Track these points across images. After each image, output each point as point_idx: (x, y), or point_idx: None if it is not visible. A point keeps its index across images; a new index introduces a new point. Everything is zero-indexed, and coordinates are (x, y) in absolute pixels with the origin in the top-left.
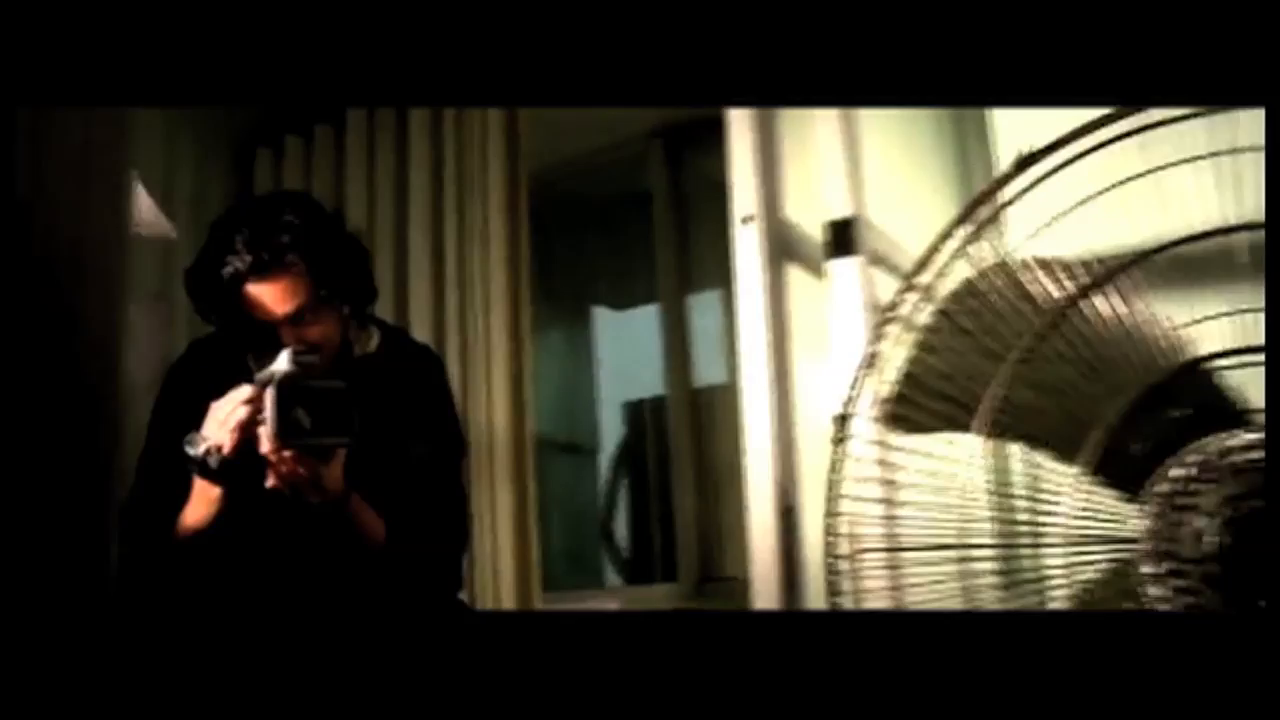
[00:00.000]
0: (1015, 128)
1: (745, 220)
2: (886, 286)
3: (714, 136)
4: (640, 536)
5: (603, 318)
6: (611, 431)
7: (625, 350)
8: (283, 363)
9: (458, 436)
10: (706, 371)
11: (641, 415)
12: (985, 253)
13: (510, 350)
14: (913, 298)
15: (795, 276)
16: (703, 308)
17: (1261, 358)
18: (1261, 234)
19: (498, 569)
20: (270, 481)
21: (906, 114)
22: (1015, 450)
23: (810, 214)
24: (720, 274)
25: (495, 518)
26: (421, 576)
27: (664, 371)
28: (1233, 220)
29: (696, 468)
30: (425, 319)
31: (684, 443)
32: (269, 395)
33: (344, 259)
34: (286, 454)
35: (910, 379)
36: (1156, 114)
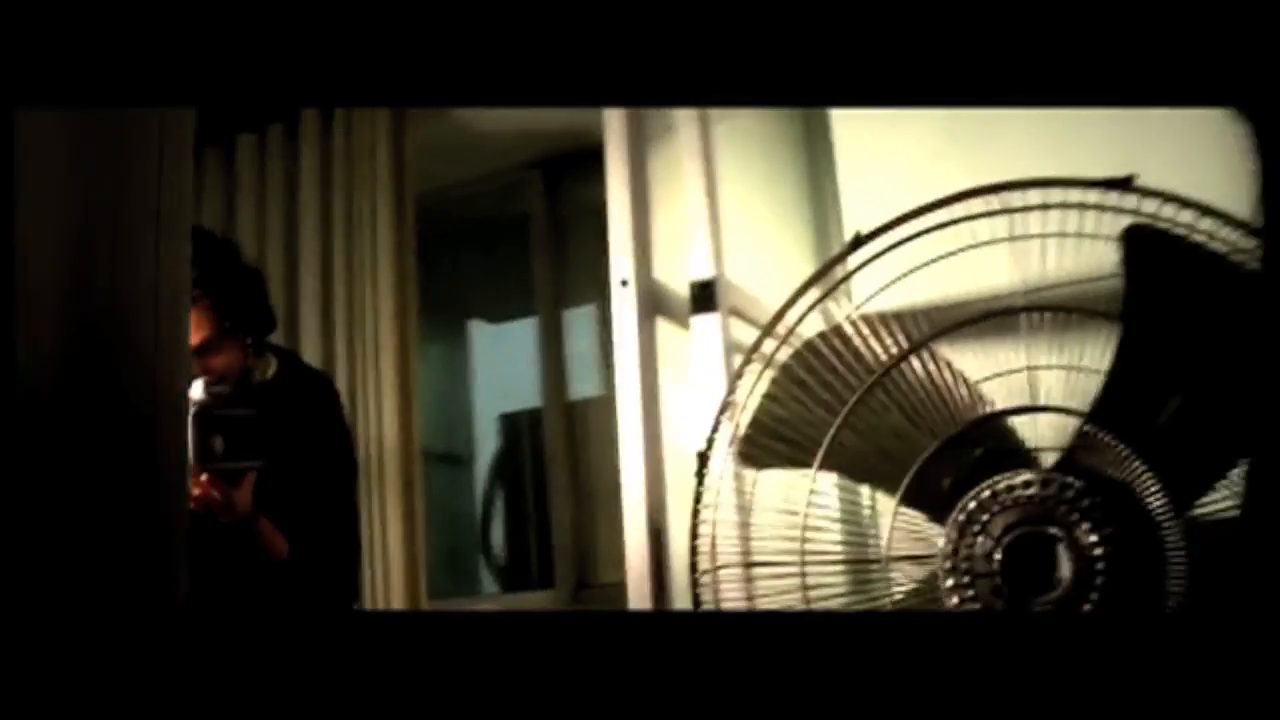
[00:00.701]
0: (861, 198)
1: (623, 283)
2: (746, 334)
3: (589, 167)
4: (517, 544)
5: (480, 332)
6: (488, 442)
7: (502, 364)
8: (196, 392)
9: (350, 458)
10: (581, 385)
11: (518, 426)
12: (824, 317)
13: (398, 365)
14: (763, 354)
15: (664, 329)
16: (577, 323)
17: (1040, 414)
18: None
19: (388, 576)
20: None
21: (767, 180)
22: (846, 483)
23: (677, 275)
24: (594, 291)
25: (385, 527)
26: (320, 588)
27: (540, 384)
28: (1021, 290)
29: (572, 477)
30: (314, 333)
31: (560, 453)
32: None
33: (245, 292)
34: (202, 478)
35: (758, 423)
36: (959, 209)
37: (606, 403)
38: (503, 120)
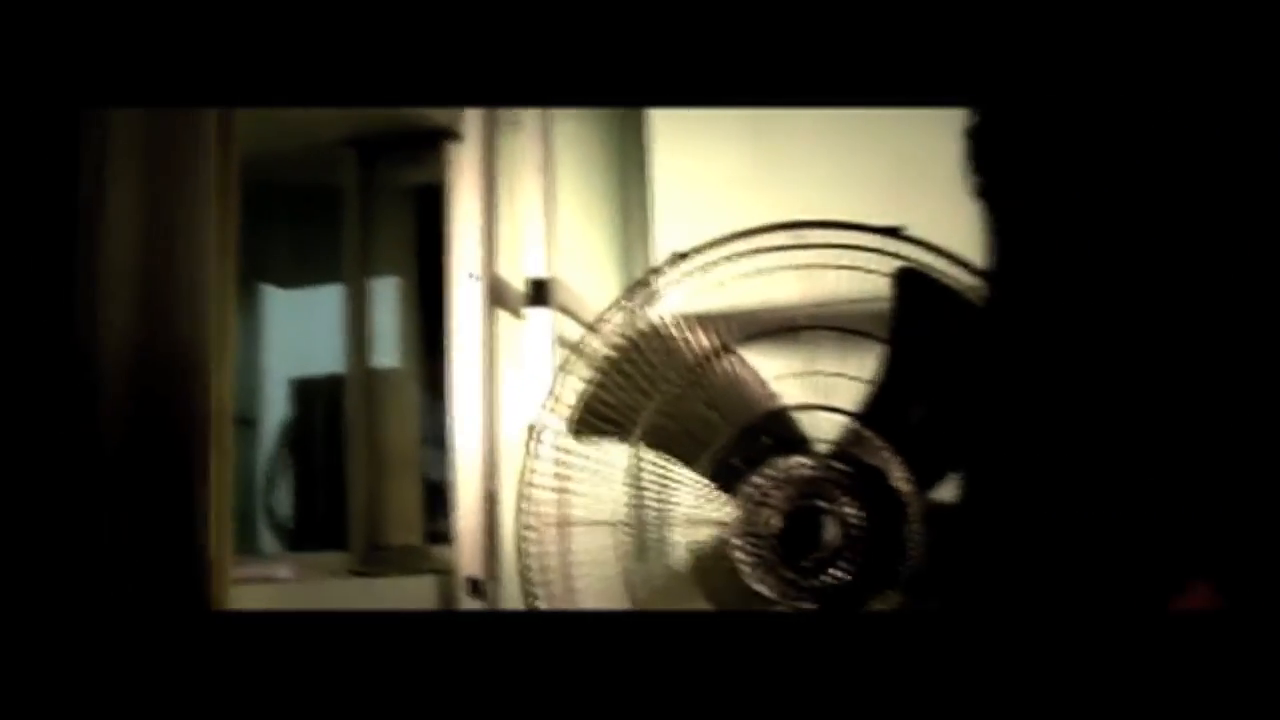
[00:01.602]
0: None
1: (471, 276)
2: (573, 329)
3: (404, 147)
4: (306, 507)
5: (274, 298)
6: (278, 406)
7: (297, 330)
8: None
9: None
10: (382, 354)
11: (311, 391)
12: (644, 317)
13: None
14: (591, 346)
15: (503, 319)
16: (382, 294)
17: (818, 412)
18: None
19: None
20: None
21: (595, 188)
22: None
23: (516, 271)
24: (400, 263)
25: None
26: None
27: (342, 351)
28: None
29: (369, 443)
30: None
31: (359, 419)
32: None
33: None
34: None
35: (587, 404)
36: (763, 239)
37: (405, 373)
38: None
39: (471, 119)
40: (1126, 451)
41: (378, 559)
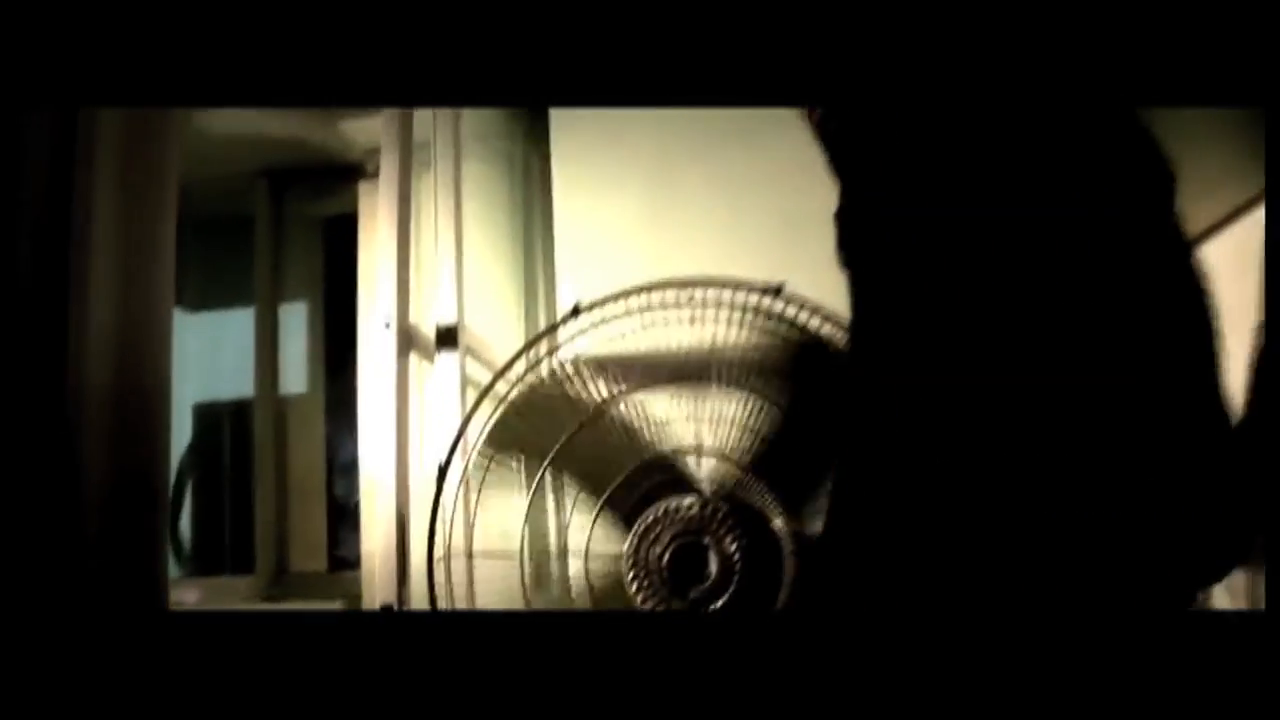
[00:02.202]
0: (574, 267)
1: (386, 325)
2: (478, 369)
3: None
4: (210, 531)
5: (185, 322)
6: (187, 430)
7: (211, 354)
8: None
9: None
10: (290, 380)
11: (216, 416)
12: (548, 363)
13: None
14: (495, 391)
15: (415, 363)
16: (291, 320)
17: (703, 456)
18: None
19: None
20: None
21: (501, 236)
22: (557, 494)
23: (428, 314)
24: (309, 290)
25: None
26: None
27: (253, 376)
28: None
29: (276, 469)
30: None
31: (268, 445)
32: None
33: None
34: None
35: (495, 441)
36: (654, 297)
37: (312, 400)
38: (237, 126)
39: (387, 158)
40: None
41: (284, 584)
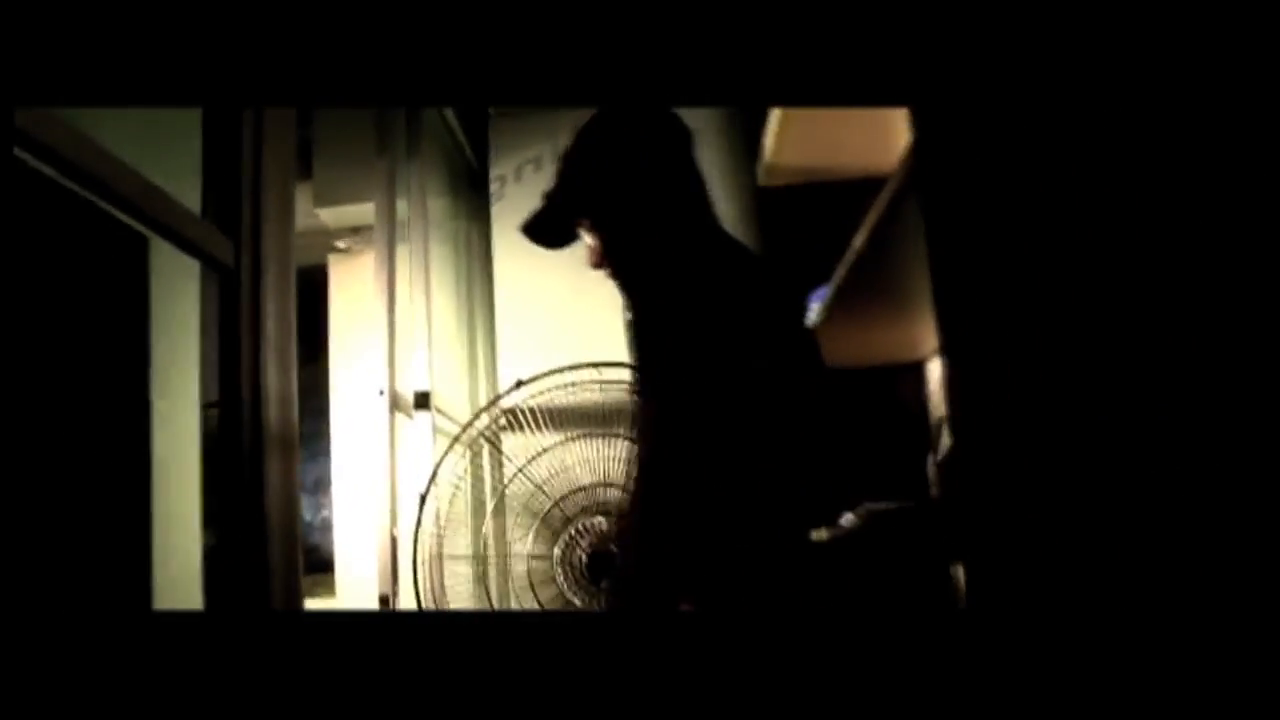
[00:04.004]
0: (512, 349)
1: (380, 392)
2: (448, 426)
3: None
4: None
5: None
6: None
7: None
8: None
9: None
10: None
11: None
12: (498, 420)
13: None
14: (460, 442)
15: (400, 419)
16: None
17: (609, 487)
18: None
19: None
20: None
21: (461, 314)
22: (508, 514)
23: (408, 385)
24: None
25: None
26: None
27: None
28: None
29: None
30: None
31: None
32: None
33: None
34: None
35: (457, 477)
36: (572, 376)
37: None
38: None
39: (379, 254)
40: None
41: None
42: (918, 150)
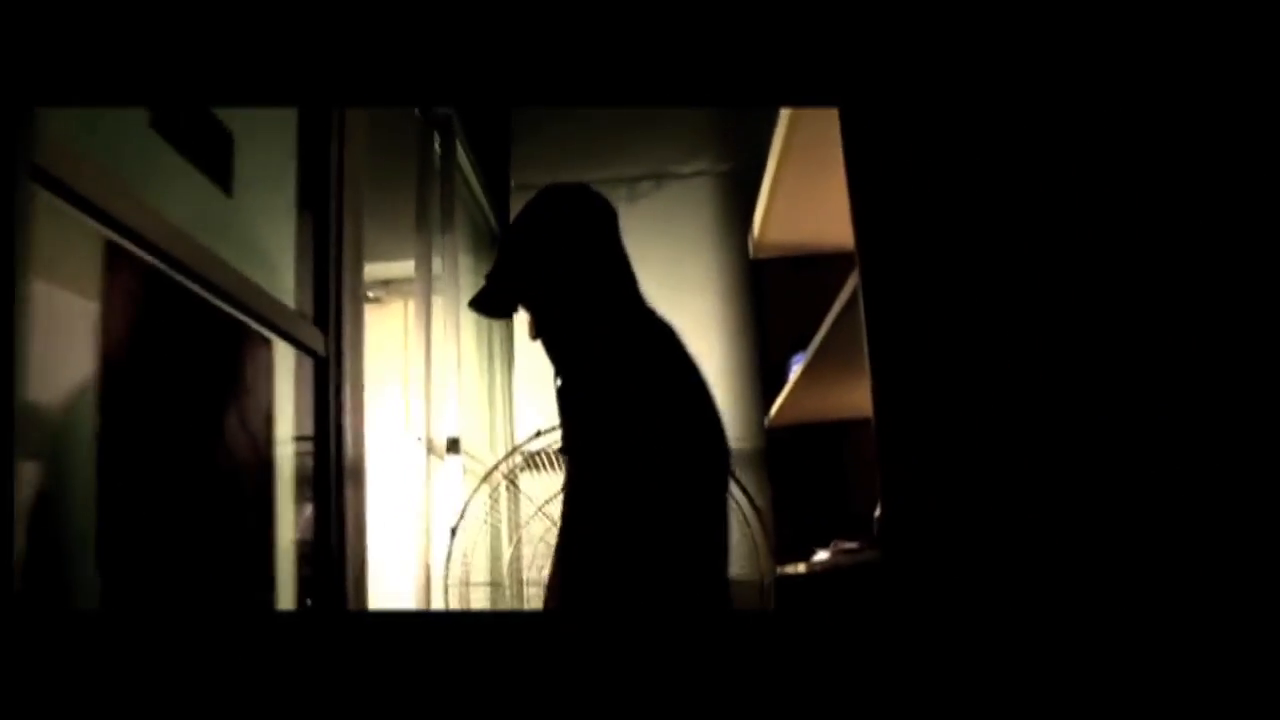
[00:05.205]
0: (529, 400)
1: (418, 438)
2: (473, 466)
3: None
4: None
5: None
6: None
7: None
8: None
9: None
10: None
11: None
12: (518, 463)
13: None
14: (487, 483)
15: (434, 462)
16: None
17: None
18: None
19: None
20: None
21: (484, 376)
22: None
23: (440, 431)
24: None
25: None
26: None
27: None
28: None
29: None
30: None
31: None
32: None
33: None
34: None
35: (488, 518)
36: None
37: None
38: None
39: (418, 314)
40: None
41: None
42: (846, 149)
